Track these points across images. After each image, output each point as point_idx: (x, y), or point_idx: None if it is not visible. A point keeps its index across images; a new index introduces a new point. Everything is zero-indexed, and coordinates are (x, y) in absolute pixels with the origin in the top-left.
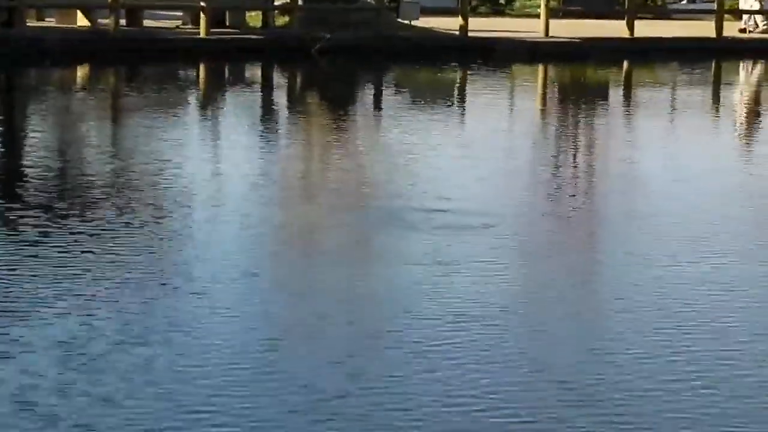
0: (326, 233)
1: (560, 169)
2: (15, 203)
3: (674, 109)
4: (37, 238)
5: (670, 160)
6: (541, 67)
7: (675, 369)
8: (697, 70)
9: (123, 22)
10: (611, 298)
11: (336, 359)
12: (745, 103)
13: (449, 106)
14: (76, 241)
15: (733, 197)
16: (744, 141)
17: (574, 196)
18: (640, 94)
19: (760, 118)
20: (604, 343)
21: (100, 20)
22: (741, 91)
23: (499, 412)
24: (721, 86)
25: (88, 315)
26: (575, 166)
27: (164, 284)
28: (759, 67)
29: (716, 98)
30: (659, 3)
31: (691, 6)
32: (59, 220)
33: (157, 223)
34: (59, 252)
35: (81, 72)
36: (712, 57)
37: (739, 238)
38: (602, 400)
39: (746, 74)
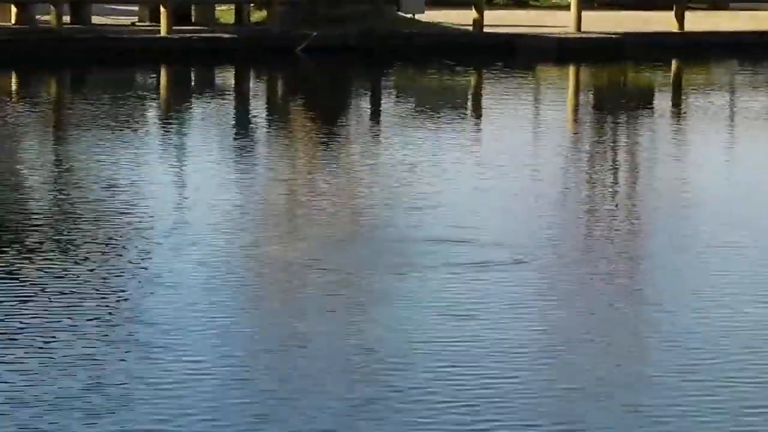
0: (313, 276)
1: (596, 193)
2: None
3: (734, 119)
4: None
5: (729, 179)
6: (572, 69)
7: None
8: (761, 70)
9: (66, 18)
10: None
11: None
12: None
13: (460, 118)
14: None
15: None
16: None
17: (613, 227)
18: (693, 100)
19: None
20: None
21: (38, 16)
22: None
23: None
24: None
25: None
26: (615, 190)
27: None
28: None
29: None
30: None
31: None
32: None
33: (101, 266)
34: None
35: (15, 78)
36: None
37: None
38: None
39: None
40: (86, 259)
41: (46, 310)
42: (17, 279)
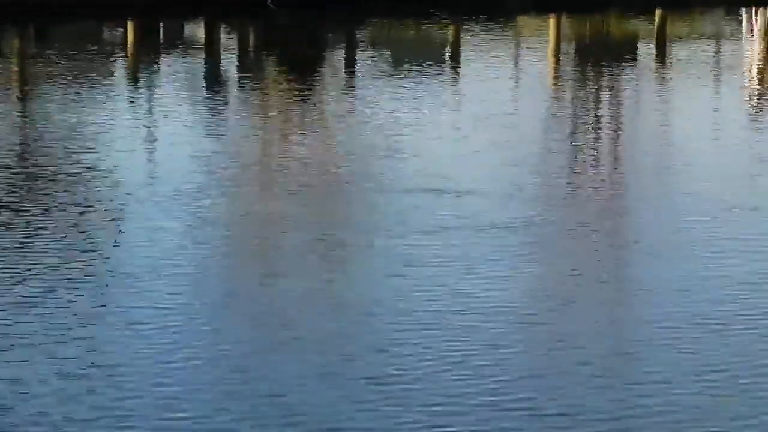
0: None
1: (578, 149)
2: None
3: (717, 69)
4: None
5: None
6: (552, 19)
7: None
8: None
9: None
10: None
11: None
12: None
13: (438, 72)
14: None
15: None
16: None
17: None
18: (677, 51)
19: None
20: None
21: None
22: None
23: None
24: None
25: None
26: (596, 147)
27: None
28: None
29: None
30: None
31: None
32: None
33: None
34: None
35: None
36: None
37: None
38: None
39: None
40: (64, 211)
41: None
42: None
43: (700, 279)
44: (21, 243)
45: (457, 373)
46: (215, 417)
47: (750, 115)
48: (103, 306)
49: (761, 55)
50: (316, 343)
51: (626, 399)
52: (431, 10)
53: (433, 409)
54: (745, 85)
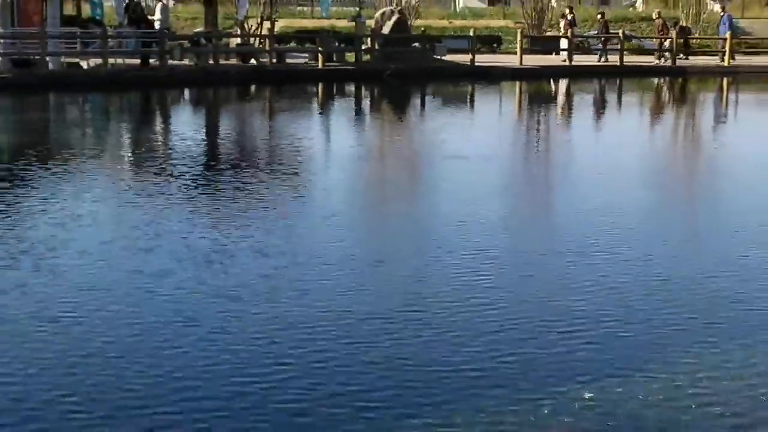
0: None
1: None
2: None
3: (598, 107)
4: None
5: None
6: (518, 83)
7: None
8: (604, 88)
9: (275, 60)
10: None
11: None
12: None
13: (464, 105)
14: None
15: None
16: None
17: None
18: (575, 99)
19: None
20: None
21: (262, 59)
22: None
23: None
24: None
25: None
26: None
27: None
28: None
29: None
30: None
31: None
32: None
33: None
34: None
35: (252, 92)
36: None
37: None
38: None
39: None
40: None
41: None
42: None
43: None
44: None
45: None
46: None
47: None
48: None
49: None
50: None
51: None
52: (458, 81)
53: None
54: None
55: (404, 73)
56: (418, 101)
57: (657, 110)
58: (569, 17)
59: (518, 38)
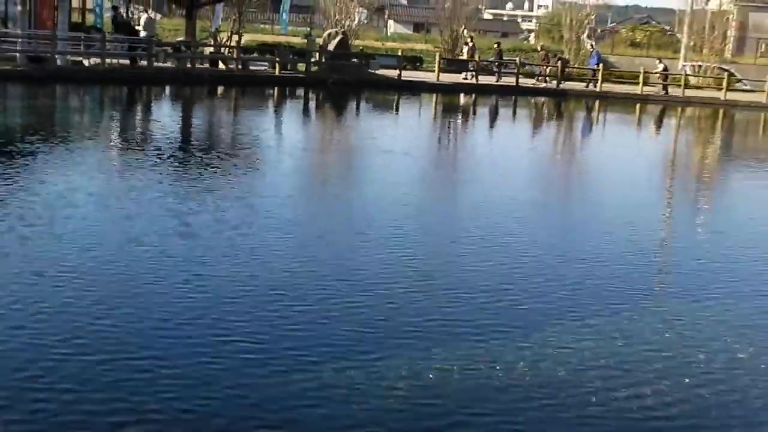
0: None
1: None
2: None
3: (496, 117)
4: None
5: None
6: (434, 95)
7: None
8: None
9: (240, 66)
10: None
11: None
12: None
13: (391, 111)
14: None
15: None
16: None
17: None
18: (479, 109)
19: None
20: None
21: (230, 65)
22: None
23: None
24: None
25: None
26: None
27: None
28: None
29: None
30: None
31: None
32: None
33: None
34: None
35: (221, 91)
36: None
37: None
38: None
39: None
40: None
41: None
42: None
43: None
44: None
45: None
46: None
47: None
48: None
49: None
50: None
51: None
52: (388, 91)
53: None
54: None
55: (345, 82)
56: (354, 105)
57: (542, 120)
58: (470, 44)
59: (436, 59)
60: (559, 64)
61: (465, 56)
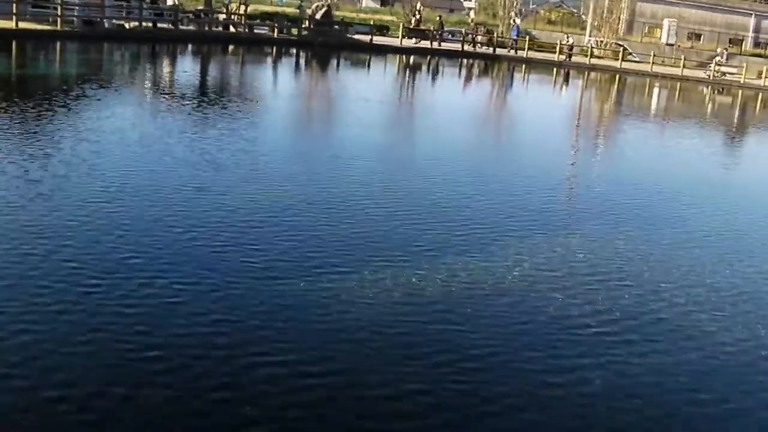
0: None
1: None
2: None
3: (448, 74)
4: None
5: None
6: (398, 56)
7: None
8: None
9: (247, 30)
10: None
11: None
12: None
13: (365, 67)
14: None
15: None
16: None
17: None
18: (432, 67)
19: None
20: None
21: (239, 29)
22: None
23: None
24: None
25: None
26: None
27: None
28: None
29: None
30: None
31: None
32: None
33: None
34: None
35: (231, 49)
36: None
37: None
38: None
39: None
40: None
41: None
42: None
43: None
44: None
45: None
46: None
47: None
48: None
49: None
50: None
51: None
52: (363, 53)
53: None
54: None
55: (328, 44)
56: (335, 62)
57: (479, 76)
58: (418, 17)
59: (400, 28)
60: (488, 34)
61: (412, 25)
